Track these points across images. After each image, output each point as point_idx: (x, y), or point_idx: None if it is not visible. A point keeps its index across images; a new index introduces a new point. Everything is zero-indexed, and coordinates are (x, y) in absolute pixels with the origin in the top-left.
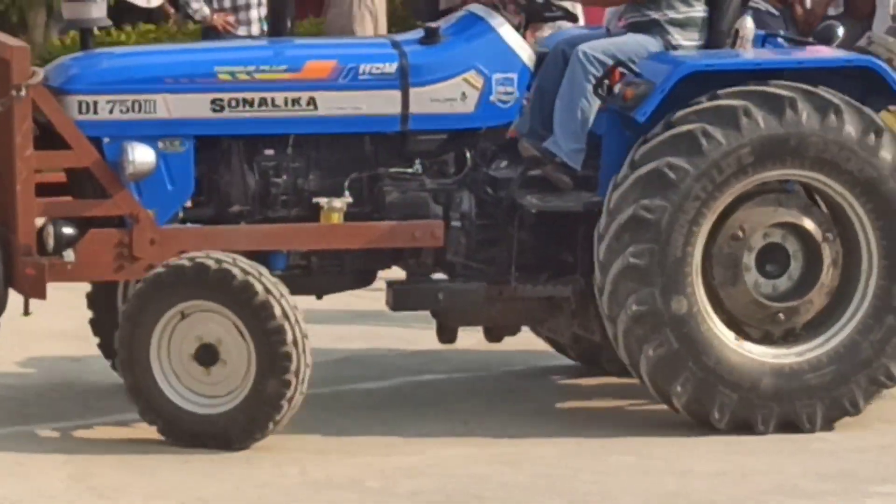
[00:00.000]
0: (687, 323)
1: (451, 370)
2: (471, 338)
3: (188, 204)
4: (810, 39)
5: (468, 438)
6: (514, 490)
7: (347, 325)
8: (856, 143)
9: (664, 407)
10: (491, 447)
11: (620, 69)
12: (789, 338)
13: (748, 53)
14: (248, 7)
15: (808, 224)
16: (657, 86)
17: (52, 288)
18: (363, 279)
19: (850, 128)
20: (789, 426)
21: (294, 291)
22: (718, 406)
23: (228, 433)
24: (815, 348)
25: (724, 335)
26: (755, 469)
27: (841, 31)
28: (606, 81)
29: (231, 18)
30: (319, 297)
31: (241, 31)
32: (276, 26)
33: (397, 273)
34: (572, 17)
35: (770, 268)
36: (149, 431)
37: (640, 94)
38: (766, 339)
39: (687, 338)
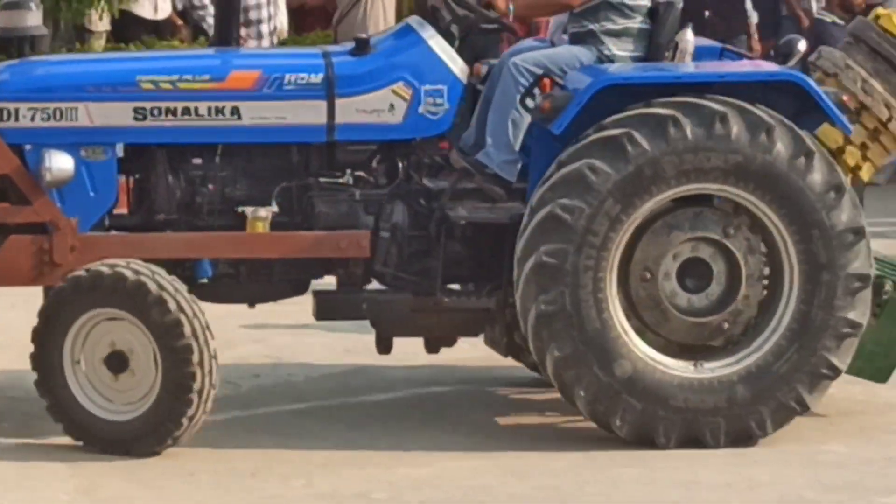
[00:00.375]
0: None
1: (457, 382)
2: (478, 351)
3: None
4: (770, 53)
5: (475, 451)
6: (521, 501)
7: (354, 336)
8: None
9: None
10: (498, 459)
11: (558, 80)
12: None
13: (674, 67)
14: (259, 22)
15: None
16: (574, 98)
17: None
18: (295, 288)
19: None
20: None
21: (224, 300)
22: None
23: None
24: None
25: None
26: (761, 480)
27: (802, 45)
28: (538, 91)
29: (243, 32)
30: (252, 305)
31: (251, 44)
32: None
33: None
34: (510, 29)
35: (691, 282)
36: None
37: (557, 106)
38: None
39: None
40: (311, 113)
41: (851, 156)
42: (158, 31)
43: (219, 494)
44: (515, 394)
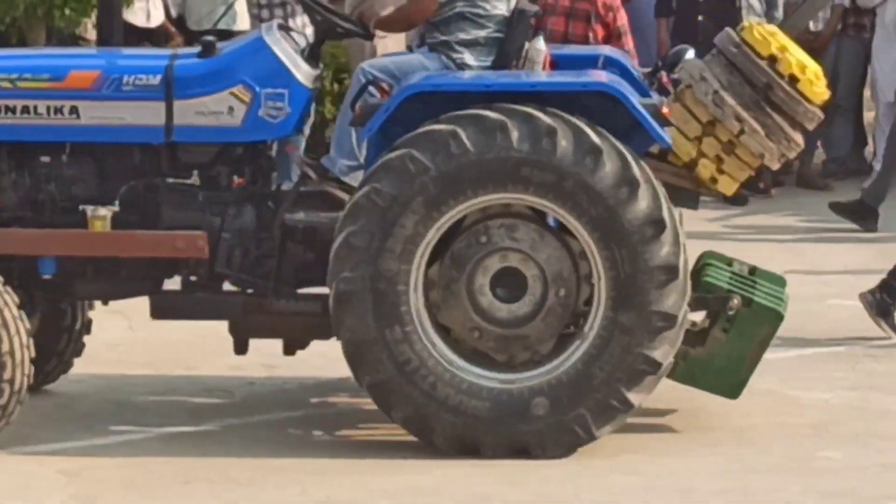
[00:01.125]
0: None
1: None
2: None
3: None
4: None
5: (470, 458)
6: None
7: None
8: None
9: (667, 427)
10: (493, 467)
11: (384, 87)
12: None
13: (493, 75)
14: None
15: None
16: (384, 105)
17: None
18: (146, 287)
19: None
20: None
21: (76, 296)
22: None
23: None
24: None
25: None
26: (758, 487)
27: (690, 54)
28: (374, 95)
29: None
30: (105, 302)
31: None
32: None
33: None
34: (367, 35)
35: (502, 292)
36: (151, 451)
37: (368, 111)
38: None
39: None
40: (149, 114)
41: (705, 168)
42: (152, 38)
43: (214, 503)
44: None
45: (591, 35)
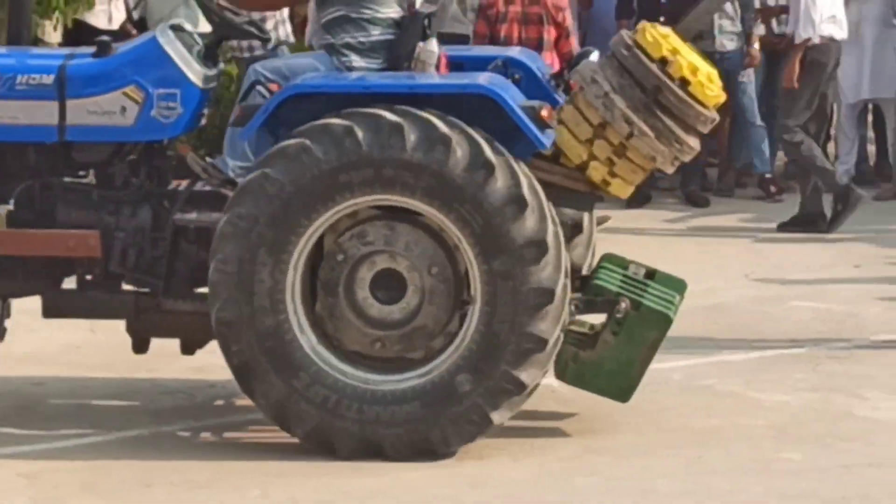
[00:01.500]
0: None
1: None
2: None
3: None
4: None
5: (431, 460)
6: None
7: None
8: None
9: (629, 429)
10: (455, 468)
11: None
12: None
13: (377, 77)
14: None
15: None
16: (264, 105)
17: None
18: (44, 286)
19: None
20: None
21: None
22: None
23: None
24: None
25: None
26: (719, 489)
27: (594, 56)
28: (264, 96)
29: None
30: (4, 300)
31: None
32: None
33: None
34: (264, 38)
35: (386, 295)
36: (111, 454)
37: (248, 113)
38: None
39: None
40: (42, 113)
41: (596, 171)
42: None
43: None
44: None
45: (545, 37)
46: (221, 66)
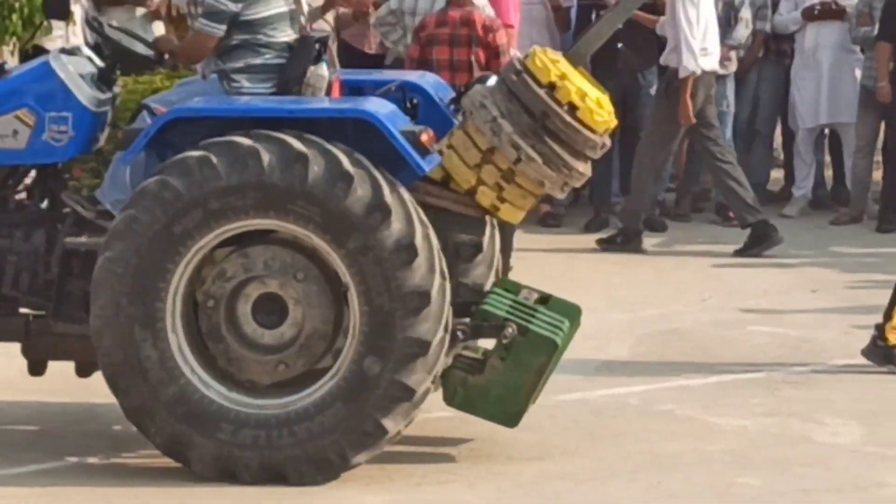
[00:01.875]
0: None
1: None
2: None
3: None
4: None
5: (388, 484)
6: None
7: None
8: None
9: (588, 454)
10: (412, 494)
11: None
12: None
13: (262, 101)
14: None
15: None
16: (145, 130)
17: None
18: None
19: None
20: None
21: None
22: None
23: None
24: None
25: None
26: None
27: (491, 81)
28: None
29: None
30: None
31: None
32: None
33: None
34: (161, 63)
35: (269, 319)
36: (69, 481)
37: (129, 138)
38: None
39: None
40: None
41: (485, 196)
42: None
43: None
44: (423, 426)
45: (472, 59)
46: (117, 90)
